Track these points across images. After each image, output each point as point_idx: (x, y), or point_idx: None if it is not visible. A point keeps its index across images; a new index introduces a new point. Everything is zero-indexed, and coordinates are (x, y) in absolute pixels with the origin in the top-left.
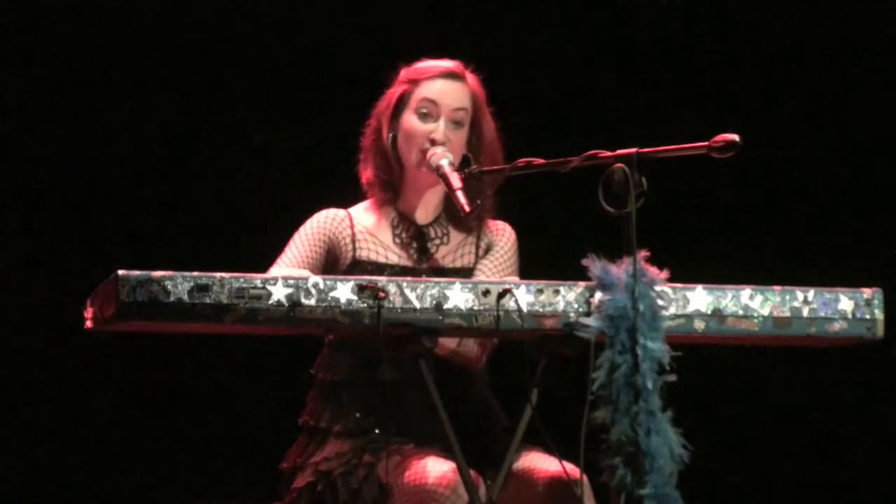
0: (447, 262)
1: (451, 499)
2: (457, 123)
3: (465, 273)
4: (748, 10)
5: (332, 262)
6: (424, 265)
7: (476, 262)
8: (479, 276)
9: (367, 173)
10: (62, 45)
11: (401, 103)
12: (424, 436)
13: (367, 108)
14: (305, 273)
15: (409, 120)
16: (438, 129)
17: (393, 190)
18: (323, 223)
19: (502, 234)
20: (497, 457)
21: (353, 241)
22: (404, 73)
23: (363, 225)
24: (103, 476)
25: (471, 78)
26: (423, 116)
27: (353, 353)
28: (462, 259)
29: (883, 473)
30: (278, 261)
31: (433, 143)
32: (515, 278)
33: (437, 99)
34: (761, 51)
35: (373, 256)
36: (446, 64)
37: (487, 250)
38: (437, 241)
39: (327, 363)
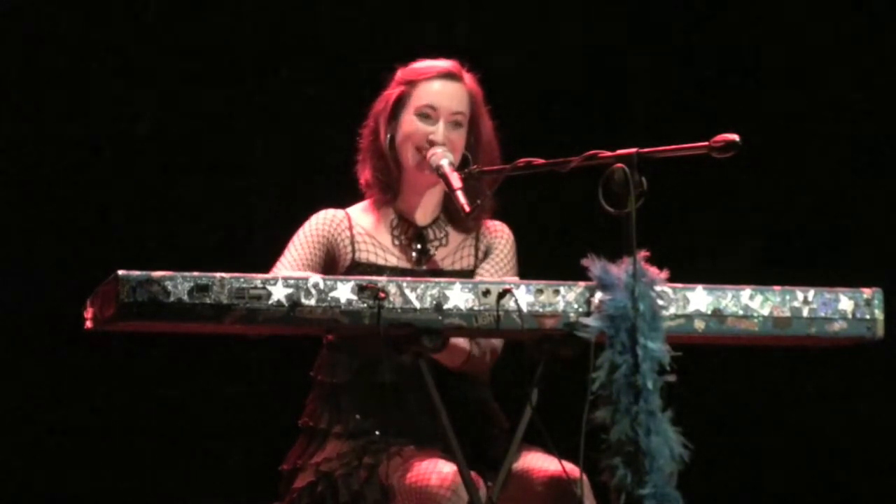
0: (446, 265)
1: (452, 500)
2: (456, 124)
3: (465, 276)
4: (748, 9)
5: (330, 263)
6: (423, 267)
7: (476, 264)
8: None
9: (365, 175)
10: (62, 45)
11: (399, 104)
12: (424, 437)
13: (368, 108)
14: (306, 274)
15: (409, 121)
16: (438, 130)
17: (391, 191)
18: (322, 225)
19: (501, 236)
20: (497, 457)
21: (353, 242)
22: (401, 73)
23: (362, 226)
24: (103, 476)
25: (468, 78)
26: (423, 118)
27: (352, 354)
28: (461, 261)
29: (883, 473)
30: (278, 263)
31: (432, 143)
32: (515, 278)
33: (436, 101)
34: (761, 50)
35: (371, 258)
36: (443, 64)
37: (487, 252)
38: (436, 243)
39: (326, 365)
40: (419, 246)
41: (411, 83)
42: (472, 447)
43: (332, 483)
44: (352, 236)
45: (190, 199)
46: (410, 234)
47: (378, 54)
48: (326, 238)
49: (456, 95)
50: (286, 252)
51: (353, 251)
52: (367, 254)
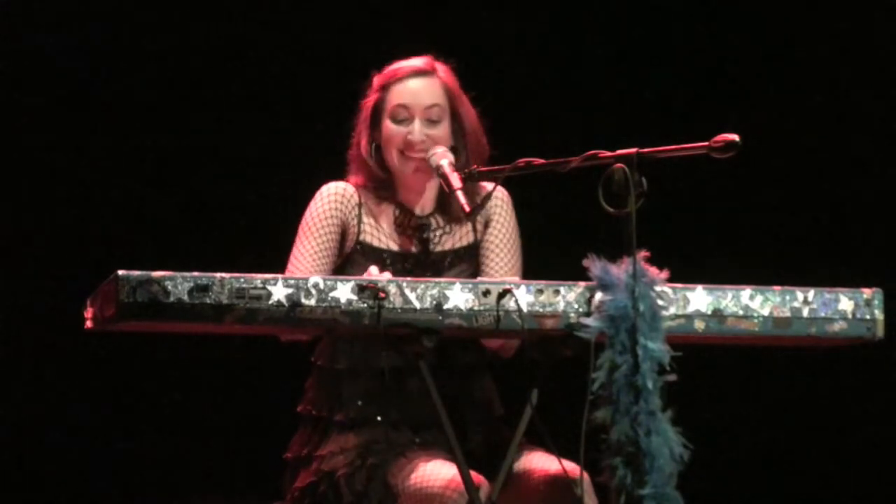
0: (447, 247)
1: (458, 502)
2: (433, 120)
3: (469, 251)
4: (749, 9)
5: (342, 241)
6: (428, 253)
7: (477, 238)
8: (487, 254)
9: (357, 180)
10: (62, 45)
11: (377, 112)
12: (425, 423)
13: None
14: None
15: (386, 126)
16: (414, 129)
17: (388, 190)
18: (332, 203)
19: (498, 202)
20: (497, 457)
21: (359, 222)
22: (376, 79)
23: (368, 206)
24: (103, 475)
25: (441, 70)
26: (398, 121)
27: (353, 341)
28: (463, 239)
29: (883, 473)
30: (294, 255)
31: (409, 145)
32: (517, 278)
33: (407, 102)
34: (762, 50)
35: (375, 243)
36: (414, 63)
37: (487, 222)
38: (440, 231)
39: (327, 351)
40: (421, 236)
41: (385, 88)
42: (473, 443)
43: (335, 483)
44: (359, 215)
45: (191, 198)
46: (413, 223)
47: (379, 53)
48: (339, 218)
49: (427, 90)
50: (301, 241)
51: (359, 231)
52: (371, 237)
